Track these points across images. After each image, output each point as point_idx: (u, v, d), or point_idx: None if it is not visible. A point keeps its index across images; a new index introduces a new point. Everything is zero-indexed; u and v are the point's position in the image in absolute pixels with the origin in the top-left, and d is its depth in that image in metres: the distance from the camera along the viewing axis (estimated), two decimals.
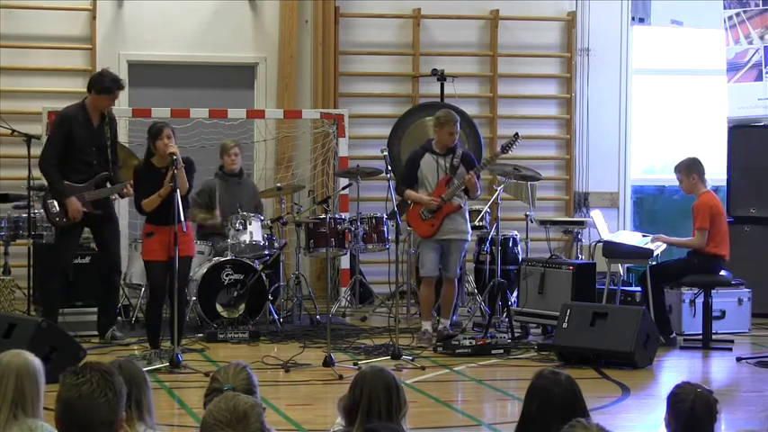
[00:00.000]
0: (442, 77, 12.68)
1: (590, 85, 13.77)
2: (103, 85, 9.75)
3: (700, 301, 10.43)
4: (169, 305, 9.00)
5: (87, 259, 10.24)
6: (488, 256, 11.09)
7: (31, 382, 3.99)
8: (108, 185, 9.88)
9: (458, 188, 10.08)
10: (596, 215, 11.37)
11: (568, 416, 3.81)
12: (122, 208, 11.50)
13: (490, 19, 13.55)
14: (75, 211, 9.66)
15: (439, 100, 12.68)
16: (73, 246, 10.00)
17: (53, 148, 9.78)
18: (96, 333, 9.99)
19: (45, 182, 10.13)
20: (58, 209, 9.69)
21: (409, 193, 10.19)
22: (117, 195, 10.09)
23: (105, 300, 10.03)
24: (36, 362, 4.07)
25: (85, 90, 10.02)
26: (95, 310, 10.08)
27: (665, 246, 10.49)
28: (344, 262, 12.03)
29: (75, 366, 3.53)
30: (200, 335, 10.15)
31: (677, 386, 4.37)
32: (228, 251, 10.76)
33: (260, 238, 10.88)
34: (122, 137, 11.76)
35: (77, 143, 9.70)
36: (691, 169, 10.27)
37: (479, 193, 10.31)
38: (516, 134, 10.27)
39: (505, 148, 10.19)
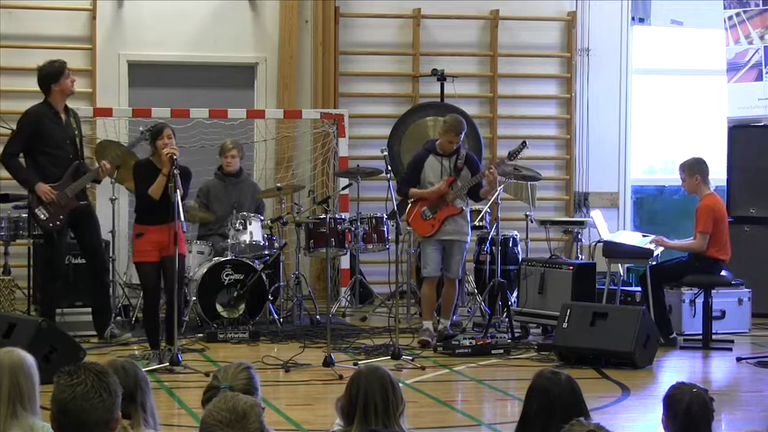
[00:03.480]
0: (442, 77, 12.67)
1: (590, 85, 13.76)
2: (55, 69, 9.76)
3: (700, 301, 10.42)
4: (166, 304, 9.00)
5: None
6: (488, 256, 11.08)
7: (27, 378, 3.98)
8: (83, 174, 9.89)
9: (461, 190, 10.07)
10: (596, 215, 11.36)
11: (568, 416, 3.81)
12: (122, 208, 11.51)
13: (490, 19, 13.54)
14: (47, 192, 9.57)
15: (439, 100, 12.67)
16: (64, 246, 9.88)
17: (16, 144, 9.78)
18: (95, 333, 9.99)
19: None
20: (46, 214, 9.64)
21: (414, 191, 10.17)
22: (94, 182, 10.09)
23: (98, 300, 10.02)
24: (29, 358, 4.06)
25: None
26: None
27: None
28: (344, 262, 12.02)
29: (69, 367, 3.51)
30: (200, 335, 10.15)
31: (673, 387, 4.37)
32: (228, 251, 10.76)
33: (260, 238, 10.88)
34: (122, 137, 11.77)
35: (53, 138, 9.68)
36: (693, 170, 10.22)
37: (496, 190, 10.18)
38: (524, 142, 10.19)
39: (512, 156, 10.12)
